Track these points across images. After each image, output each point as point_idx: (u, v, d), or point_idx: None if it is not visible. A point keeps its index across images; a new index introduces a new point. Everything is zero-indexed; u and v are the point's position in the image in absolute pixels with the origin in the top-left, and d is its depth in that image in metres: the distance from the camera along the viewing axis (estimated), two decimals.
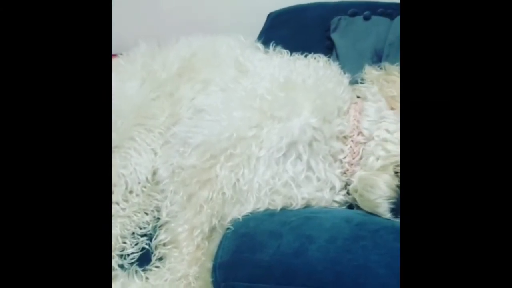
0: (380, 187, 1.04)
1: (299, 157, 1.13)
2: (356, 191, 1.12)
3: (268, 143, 1.11)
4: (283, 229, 1.01)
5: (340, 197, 1.18)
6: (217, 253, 1.00)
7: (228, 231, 1.04)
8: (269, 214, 1.08)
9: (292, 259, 0.94)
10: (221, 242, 1.02)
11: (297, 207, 1.11)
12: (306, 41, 1.68)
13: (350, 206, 1.19)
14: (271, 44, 1.40)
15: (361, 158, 1.16)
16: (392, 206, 1.02)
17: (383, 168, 1.10)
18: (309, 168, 1.14)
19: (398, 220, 1.01)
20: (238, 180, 1.09)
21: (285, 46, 1.40)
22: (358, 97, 1.27)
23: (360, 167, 1.16)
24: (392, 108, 1.18)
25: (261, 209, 1.10)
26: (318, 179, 1.15)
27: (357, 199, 1.11)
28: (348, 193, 1.18)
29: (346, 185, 1.18)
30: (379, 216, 1.04)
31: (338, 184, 1.17)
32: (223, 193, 1.08)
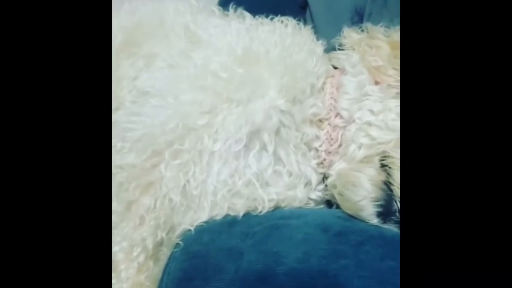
0: (363, 186, 0.83)
1: (264, 148, 0.91)
2: (335, 187, 0.91)
3: (224, 133, 0.89)
4: (245, 244, 0.80)
5: (317, 193, 0.97)
6: (161, 280, 0.79)
7: (176, 250, 0.83)
8: (229, 223, 0.87)
9: (254, 286, 0.74)
10: (166, 265, 0.81)
11: (264, 211, 0.90)
12: (275, 1, 1.42)
13: (329, 203, 0.99)
14: (231, 5, 1.14)
15: (340, 146, 0.95)
16: (379, 209, 0.82)
17: (367, 159, 0.89)
18: (278, 161, 0.93)
19: (387, 226, 0.81)
20: (188, 181, 0.87)
21: (250, 8, 1.15)
22: (335, 68, 1.03)
23: (339, 156, 0.94)
24: (376, 82, 0.96)
25: (219, 217, 0.89)
26: (290, 174, 0.94)
27: (336, 198, 0.91)
28: (326, 186, 0.97)
29: (324, 178, 0.97)
30: (363, 221, 0.84)
31: (315, 178, 0.96)
32: (170, 199, 0.87)
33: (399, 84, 0.93)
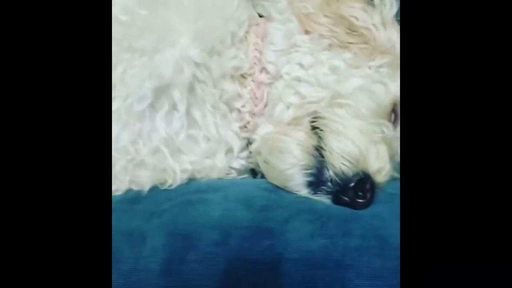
0: (291, 152, 0.71)
1: (174, 108, 0.76)
2: (260, 154, 0.78)
3: (124, 89, 0.72)
4: (149, 226, 0.65)
5: (240, 161, 0.83)
6: None
7: None
8: (130, 200, 0.71)
9: (158, 278, 0.60)
10: None
11: (175, 185, 0.75)
12: None
13: (254, 172, 0.86)
14: None
15: (266, 106, 0.81)
16: (309, 178, 0.70)
17: (296, 121, 0.76)
18: (192, 123, 0.78)
19: (318, 198, 0.70)
20: None
21: None
22: (260, 16, 0.88)
23: (265, 118, 0.81)
24: (307, 32, 0.82)
25: (119, 192, 0.73)
26: (207, 139, 0.79)
27: (261, 166, 0.78)
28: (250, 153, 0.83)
29: (248, 143, 0.83)
30: (291, 192, 0.72)
31: (237, 144, 0.82)
32: None
33: (331, 34, 0.81)
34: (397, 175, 0.82)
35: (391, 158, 0.73)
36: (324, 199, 0.69)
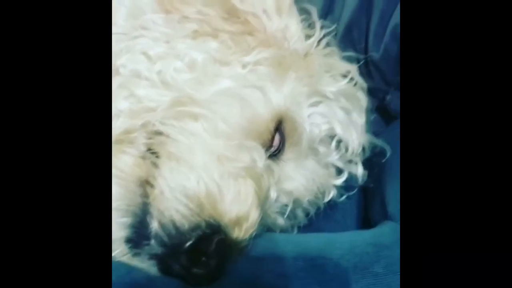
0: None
1: None
2: None
3: None
4: None
5: None
6: None
7: None
8: None
9: None
10: None
11: None
12: None
13: None
14: None
15: None
16: (128, 231, 0.44)
17: (128, 138, 0.50)
18: None
19: (142, 263, 0.43)
20: None
21: None
22: None
23: None
24: (168, 12, 0.57)
25: None
26: None
27: None
28: None
29: None
30: None
31: None
32: None
33: (201, 17, 0.57)
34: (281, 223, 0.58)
35: (261, 201, 0.48)
36: (148, 267, 0.43)
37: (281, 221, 0.58)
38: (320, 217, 0.64)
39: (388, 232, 0.50)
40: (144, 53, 0.54)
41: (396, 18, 0.56)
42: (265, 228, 0.57)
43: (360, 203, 0.68)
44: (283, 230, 0.60)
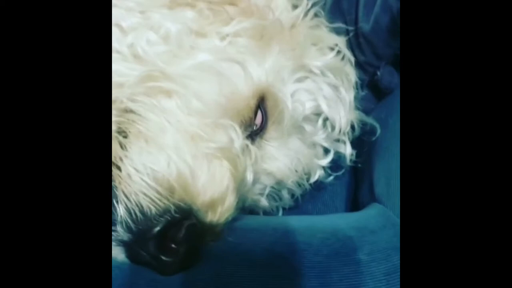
0: None
1: None
2: None
3: None
4: None
5: None
6: None
7: None
8: None
9: None
10: None
11: None
12: None
13: None
14: None
15: None
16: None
17: None
18: None
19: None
20: None
21: None
22: None
23: None
24: None
25: None
26: None
27: None
28: None
29: None
30: None
31: None
32: None
33: None
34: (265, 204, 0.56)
35: (238, 183, 0.45)
36: (116, 254, 0.40)
37: (264, 202, 0.55)
38: (307, 198, 0.61)
39: (374, 215, 0.47)
40: (117, 24, 0.50)
41: None
42: (246, 210, 0.54)
43: (351, 184, 0.64)
44: (266, 212, 0.58)
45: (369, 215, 0.48)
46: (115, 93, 0.45)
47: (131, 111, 0.44)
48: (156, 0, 0.52)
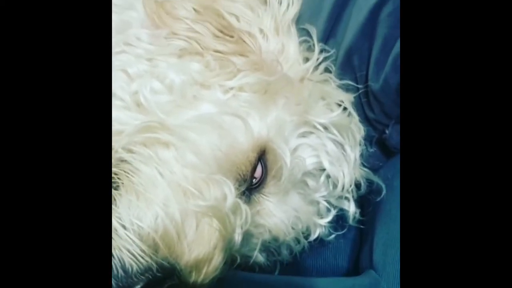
0: None
1: None
2: None
3: None
4: None
5: None
6: None
7: None
8: None
9: None
10: None
11: None
12: None
13: None
14: None
15: None
16: None
17: None
18: None
19: None
20: None
21: None
22: None
23: None
24: (157, 27, 0.54)
25: None
26: None
27: None
28: None
29: None
30: None
31: None
32: None
33: (191, 34, 0.53)
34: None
35: (227, 242, 0.43)
36: None
37: (260, 258, 0.54)
38: (307, 254, 0.59)
39: (367, 285, 0.45)
40: (123, 70, 0.51)
41: (398, 47, 0.51)
42: (241, 266, 0.53)
43: (355, 241, 0.62)
44: (263, 268, 0.56)
45: (363, 283, 0.46)
46: (113, 141, 0.46)
47: (125, 161, 0.44)
48: (166, 48, 0.53)
